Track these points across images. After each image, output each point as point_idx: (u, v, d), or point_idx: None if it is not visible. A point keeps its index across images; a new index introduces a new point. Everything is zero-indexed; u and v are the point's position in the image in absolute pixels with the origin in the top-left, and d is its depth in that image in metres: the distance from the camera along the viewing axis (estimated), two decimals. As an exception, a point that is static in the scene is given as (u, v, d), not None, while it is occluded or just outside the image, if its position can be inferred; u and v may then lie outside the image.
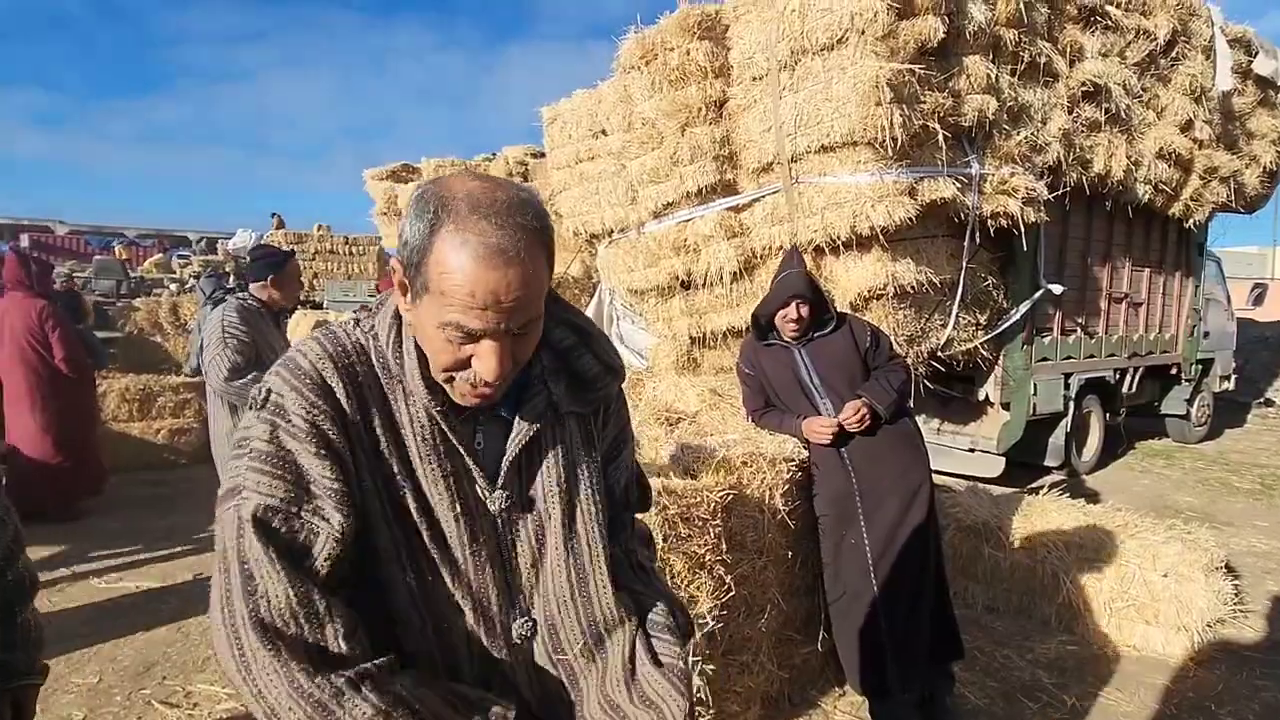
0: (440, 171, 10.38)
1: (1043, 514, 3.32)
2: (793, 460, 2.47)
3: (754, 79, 3.95)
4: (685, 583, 2.03)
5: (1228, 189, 6.10)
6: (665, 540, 1.98)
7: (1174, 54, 5.25)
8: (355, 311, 0.94)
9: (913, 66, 3.49)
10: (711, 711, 2.13)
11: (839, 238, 3.79)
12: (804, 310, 2.47)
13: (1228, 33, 5.73)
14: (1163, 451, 7.09)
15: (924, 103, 3.63)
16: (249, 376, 2.71)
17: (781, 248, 4.07)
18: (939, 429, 5.35)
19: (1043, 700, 2.63)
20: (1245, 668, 2.90)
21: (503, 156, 10.76)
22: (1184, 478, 6.15)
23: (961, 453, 5.22)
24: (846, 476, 2.44)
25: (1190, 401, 7.22)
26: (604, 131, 4.72)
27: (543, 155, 6.62)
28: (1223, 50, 5.57)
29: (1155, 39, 5.03)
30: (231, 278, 9.45)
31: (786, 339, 2.55)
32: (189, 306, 6.87)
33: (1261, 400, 10.29)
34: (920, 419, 5.39)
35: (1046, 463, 5.61)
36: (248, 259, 3.89)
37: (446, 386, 0.80)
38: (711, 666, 2.09)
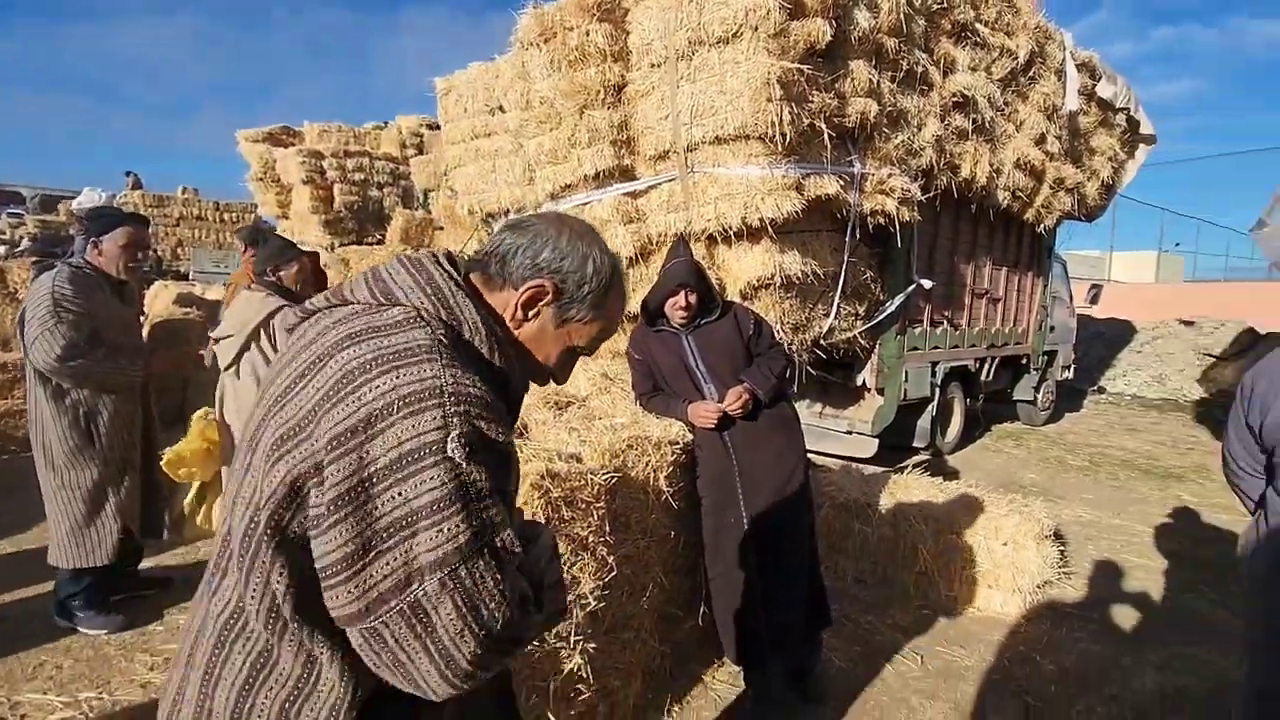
0: (325, 138, 9.77)
1: (906, 491, 3.61)
2: (677, 443, 2.54)
3: (652, 66, 3.97)
4: (568, 565, 2.05)
5: (1072, 199, 6.82)
6: (548, 523, 1.99)
7: (1031, 73, 5.76)
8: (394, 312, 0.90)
9: (802, 66, 3.63)
10: (594, 687, 2.17)
11: (731, 228, 3.90)
12: (692, 298, 2.54)
13: (1077, 57, 6.36)
14: (1013, 433, 7.88)
15: (812, 102, 3.79)
16: (86, 358, 2.45)
17: (678, 235, 4.15)
18: (821, 413, 5.67)
19: (898, 662, 2.88)
20: (1065, 622, 3.30)
21: (395, 126, 10.24)
22: (1029, 457, 6.87)
23: (840, 435, 5.56)
24: (727, 458, 2.54)
25: (1037, 389, 8.05)
26: (501, 108, 4.59)
27: (438, 127, 6.36)
28: (1072, 73, 6.18)
29: (1017, 58, 5.50)
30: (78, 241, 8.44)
31: (675, 326, 2.61)
32: (20, 273, 6.10)
33: (1095, 388, 11.66)
34: (804, 404, 5.71)
35: (915, 444, 6.09)
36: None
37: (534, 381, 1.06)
38: (594, 645, 2.13)
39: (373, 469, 0.79)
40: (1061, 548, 3.94)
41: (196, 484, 2.85)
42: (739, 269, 4.06)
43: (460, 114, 4.87)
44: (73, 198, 14.00)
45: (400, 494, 0.79)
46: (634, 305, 4.15)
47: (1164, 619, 3.40)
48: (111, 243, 2.64)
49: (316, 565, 0.81)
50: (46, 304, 2.42)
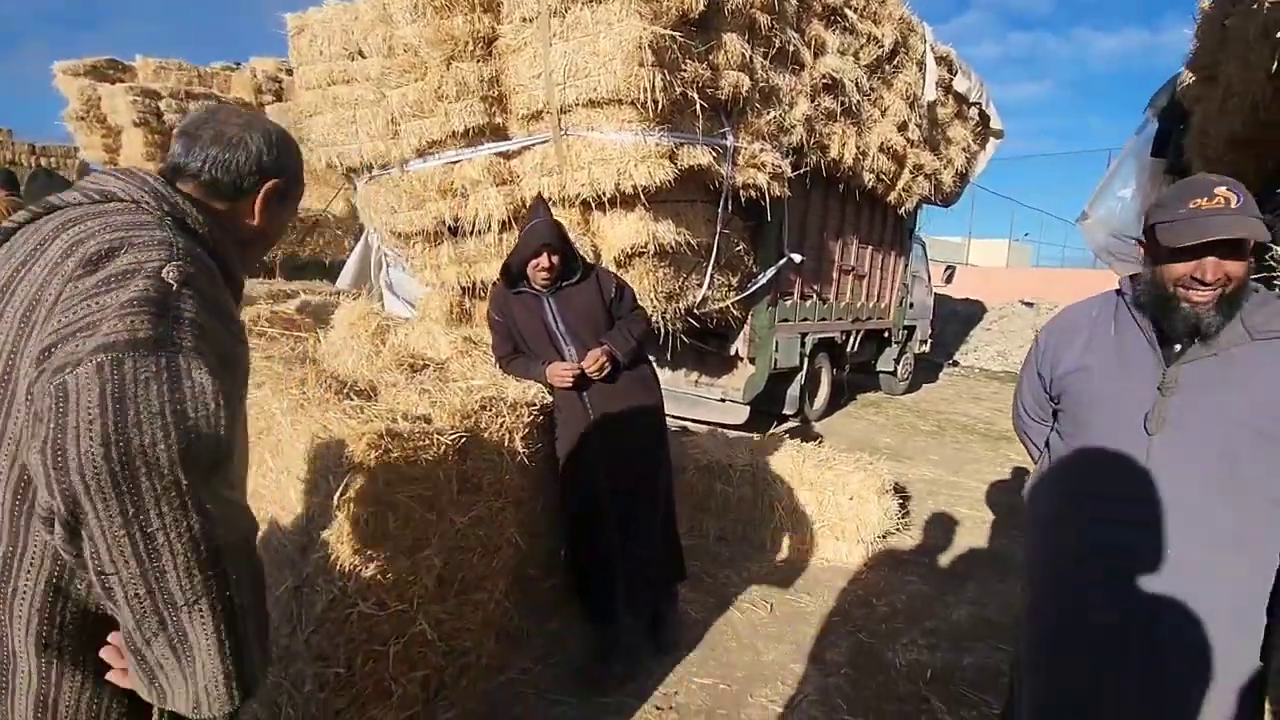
0: (162, 75, 8.68)
1: (764, 452, 3.80)
2: (535, 405, 2.52)
3: (524, 20, 3.84)
4: (410, 526, 2.00)
5: (930, 184, 7.36)
6: (388, 484, 1.92)
7: (895, 62, 6.11)
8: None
9: (674, 34, 3.64)
10: (443, 647, 2.14)
11: (605, 194, 3.88)
12: (555, 259, 2.51)
13: (936, 51, 6.81)
14: (875, 401, 8.50)
15: (685, 71, 3.82)
16: None
17: (550, 200, 4.08)
18: (696, 381, 5.84)
19: (748, 610, 3.05)
20: (901, 568, 3.62)
21: (249, 68, 9.32)
22: (887, 423, 7.44)
23: (713, 402, 5.75)
24: (586, 418, 2.55)
25: (897, 361, 8.70)
26: (361, 53, 4.29)
27: (299, 73, 5.86)
28: (931, 65, 6.62)
29: (883, 46, 5.80)
30: None
31: (536, 287, 2.57)
32: None
33: (950, 361, 12.78)
34: (680, 372, 5.85)
35: (785, 411, 6.42)
36: None
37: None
38: (440, 607, 2.10)
39: (85, 284, 0.79)
40: (903, 501, 4.30)
41: None
42: (613, 236, 4.06)
43: (315, 57, 4.49)
44: None
45: (99, 302, 0.77)
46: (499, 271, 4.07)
47: (982, 561, 3.81)
48: None
49: None
50: None
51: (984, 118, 8.31)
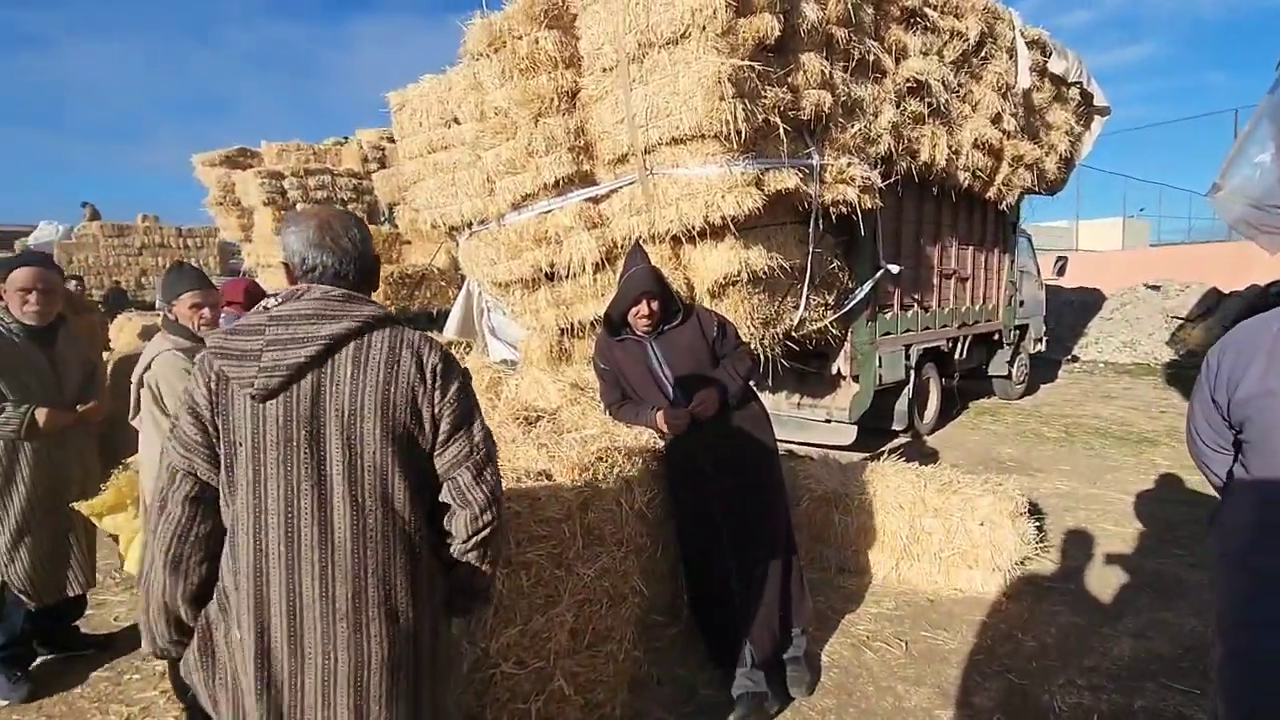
0: (284, 156, 9.61)
1: (883, 479, 3.64)
2: (648, 450, 2.54)
3: (604, 70, 3.95)
4: (542, 584, 2.05)
5: (1032, 174, 6.91)
6: (519, 545, 1.98)
7: (983, 54, 5.82)
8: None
9: (752, 63, 3.64)
10: (579, 703, 2.17)
11: (694, 227, 3.90)
12: (654, 305, 2.55)
13: (1026, 35, 6.43)
14: (990, 408, 7.99)
15: (765, 97, 3.80)
16: None
17: (641, 238, 4.14)
18: (798, 403, 5.70)
19: (882, 649, 2.91)
20: (1045, 597, 3.35)
21: (356, 140, 10.11)
22: (1006, 431, 6.97)
23: (819, 424, 5.59)
24: (698, 462, 2.55)
25: (1011, 363, 8.16)
26: (456, 120, 4.55)
27: (397, 141, 6.29)
28: (1023, 51, 6.26)
29: (967, 39, 5.55)
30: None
31: (640, 333, 2.61)
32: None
33: (1069, 357, 11.86)
34: (781, 395, 5.74)
35: (894, 427, 6.15)
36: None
37: None
38: (575, 661, 2.13)
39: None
40: (1039, 522, 4.00)
41: (122, 536, 2.62)
42: (705, 268, 4.07)
43: (416, 128, 4.81)
44: (29, 233, 13.68)
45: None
46: (597, 311, 4.15)
47: (1139, 585, 3.46)
48: (10, 287, 2.57)
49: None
50: None
51: (1086, 96, 7.75)
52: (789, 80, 4.01)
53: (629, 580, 2.49)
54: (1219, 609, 1.55)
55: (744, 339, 3.96)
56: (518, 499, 1.99)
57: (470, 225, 4.83)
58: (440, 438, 1.30)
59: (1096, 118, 8.14)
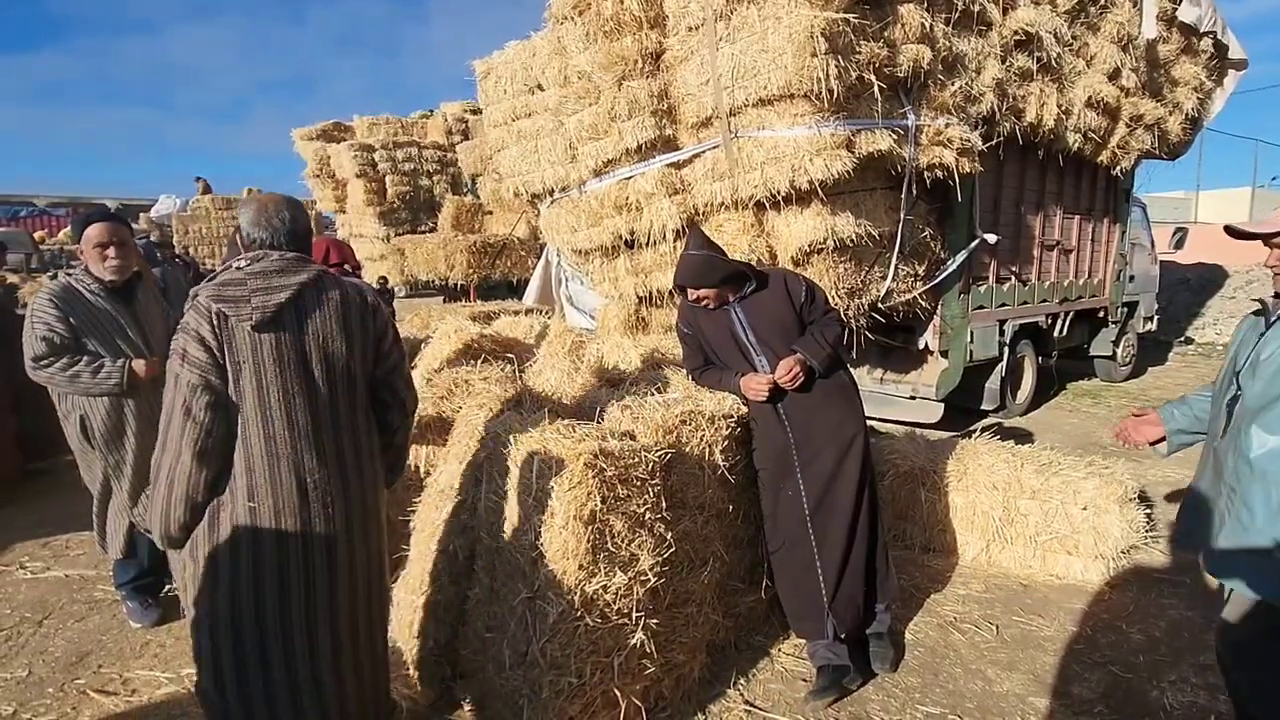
0: (374, 130, 9.96)
1: (974, 457, 3.47)
2: (731, 417, 2.50)
3: (690, 29, 3.85)
4: (625, 542, 2.06)
5: (1152, 136, 6.31)
6: (604, 501, 2.00)
7: (1103, 1, 5.32)
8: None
9: (847, 16, 3.45)
10: (659, 661, 2.19)
11: (779, 192, 3.78)
12: (708, 294, 2.47)
13: (1154, -21, 5.83)
14: (1091, 391, 7.47)
15: (859, 53, 3.61)
16: (50, 368, 2.51)
17: (723, 204, 4.05)
18: (882, 378, 5.50)
19: (970, 631, 2.79)
20: (1154, 589, 3.13)
21: (441, 113, 10.35)
22: (1109, 415, 6.50)
23: (903, 400, 5.38)
24: (783, 431, 2.49)
25: (1116, 343, 7.59)
26: (540, 86, 4.56)
27: (481, 112, 6.39)
28: (1149, -3, 5.68)
29: (1085, -14, 5.09)
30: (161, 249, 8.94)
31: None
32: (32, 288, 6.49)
33: (1182, 339, 10.91)
34: (864, 369, 5.55)
35: (984, 406, 5.85)
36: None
37: None
38: (656, 620, 2.15)
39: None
40: (1148, 510, 3.71)
41: None
42: (789, 235, 3.94)
43: (500, 96, 4.86)
44: (150, 206, 14.82)
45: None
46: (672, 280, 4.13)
47: (1265, 583, 3.17)
48: (85, 245, 2.64)
49: None
50: (27, 319, 2.56)
51: (1219, 48, 6.96)
52: (885, 34, 3.79)
53: (710, 545, 2.47)
54: None
55: (833, 306, 3.83)
56: (605, 458, 2.00)
57: (552, 192, 4.86)
58: (382, 351, 1.81)
59: (1231, 72, 7.32)
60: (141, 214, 15.60)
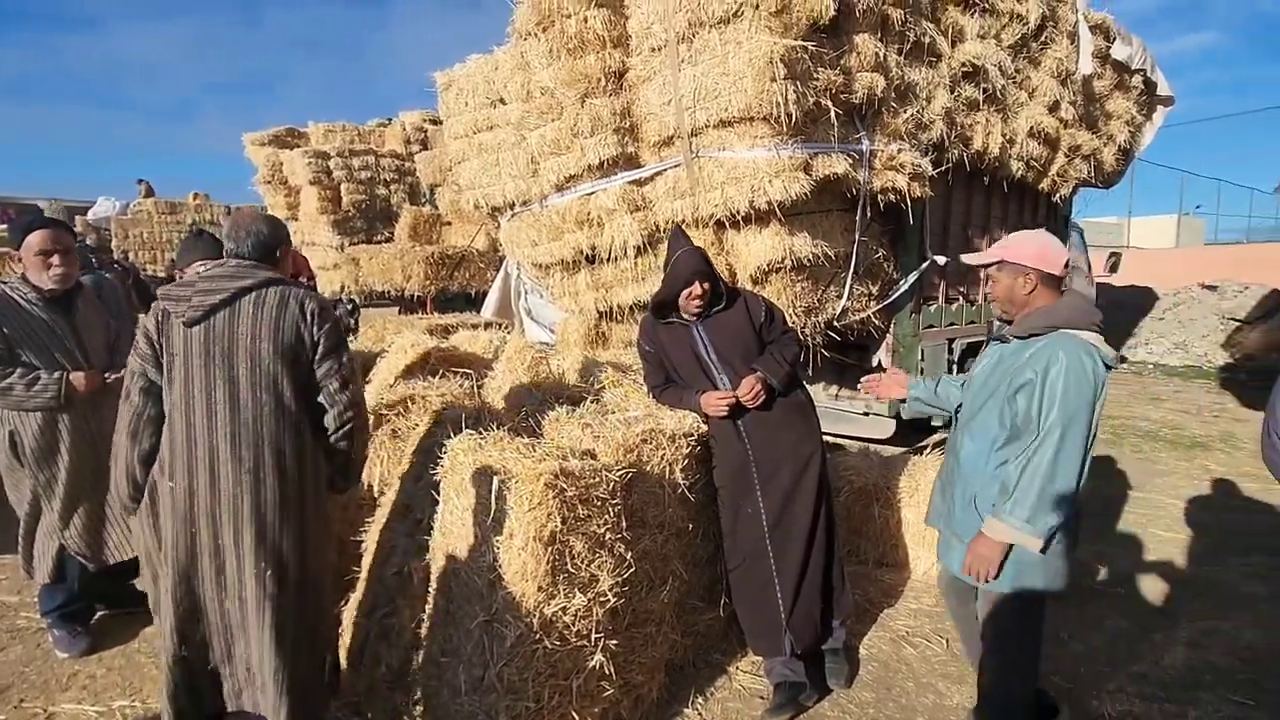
0: (330, 137, 9.74)
1: (924, 472, 3.57)
2: (691, 435, 2.52)
3: (653, 50, 3.90)
4: (585, 563, 2.04)
5: (1089, 165, 6.65)
6: (564, 522, 1.98)
7: (1043, 38, 5.60)
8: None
9: (805, 44, 3.54)
10: (618, 683, 2.17)
11: (738, 212, 3.83)
12: (705, 286, 2.52)
13: (1090, 19, 6.17)
14: (1033, 407, 7.76)
15: (817, 79, 3.71)
16: None
17: (684, 222, 4.09)
18: (836, 395, 5.61)
19: (922, 645, 2.86)
20: (1094, 600, 3.26)
21: (400, 122, 10.19)
22: (1050, 431, 6.77)
23: (857, 416, 5.49)
24: (743, 448, 2.52)
25: (1057, 361, 7.91)
26: (502, 100, 4.54)
27: (441, 122, 6.32)
28: (1085, 35, 6.01)
29: (1027, 23, 5.34)
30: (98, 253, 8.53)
31: (689, 316, 2.58)
32: None
33: (1117, 357, 11.46)
34: (820, 386, 5.66)
35: (934, 422, 6.02)
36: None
37: None
38: (615, 641, 2.13)
39: None
40: (1086, 524, 3.87)
41: None
42: (749, 254, 4.00)
43: (462, 108, 4.82)
44: (88, 209, 14.15)
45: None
46: (648, 293, 4.13)
47: (1193, 593, 3.34)
48: (27, 252, 2.49)
49: None
50: None
51: (1149, 85, 7.41)
52: (841, 62, 3.90)
53: (670, 563, 2.48)
54: None
55: (791, 326, 3.90)
56: (565, 478, 1.99)
57: (513, 206, 4.83)
58: (318, 356, 1.91)
59: (1159, 108, 7.80)
60: (78, 216, 14.88)
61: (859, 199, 4.26)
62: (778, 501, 2.49)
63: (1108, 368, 1.93)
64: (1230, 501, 4.67)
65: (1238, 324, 11.32)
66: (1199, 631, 2.98)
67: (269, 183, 9.69)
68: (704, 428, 2.58)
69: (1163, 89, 7.59)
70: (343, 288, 8.45)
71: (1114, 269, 9.02)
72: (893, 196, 4.40)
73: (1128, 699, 2.51)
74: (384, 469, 2.68)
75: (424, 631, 2.21)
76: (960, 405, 2.20)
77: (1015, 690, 2.08)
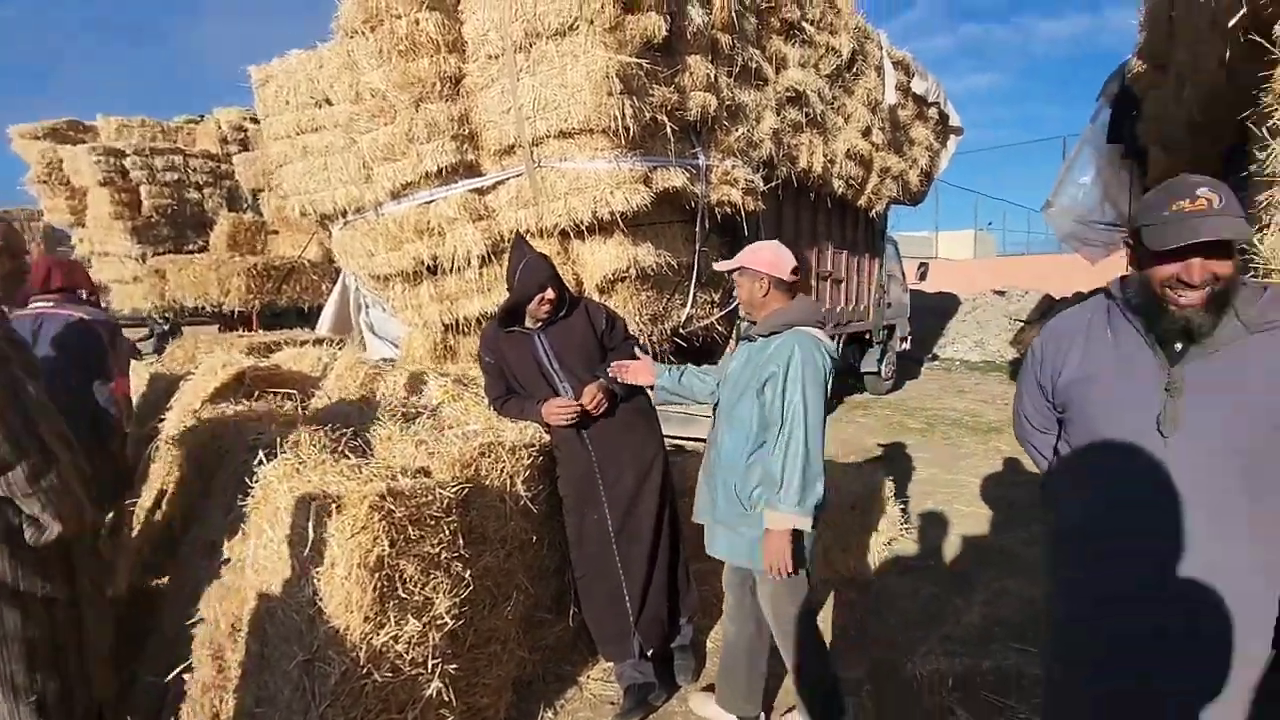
0: (125, 133, 8.57)
1: (764, 469, 3.78)
2: (533, 446, 2.49)
3: (490, 57, 3.85)
4: (419, 586, 1.94)
5: (898, 185, 7.48)
6: (393, 545, 1.87)
7: (855, 70, 6.22)
8: None
9: (640, 60, 3.67)
10: (460, 706, 2.08)
11: (582, 222, 3.88)
12: (557, 292, 2.52)
13: (893, 55, 6.95)
14: (862, 403, 8.55)
15: (653, 96, 3.84)
16: None
17: (529, 232, 4.07)
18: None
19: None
20: (911, 574, 3.62)
21: (214, 119, 9.22)
22: (876, 424, 7.48)
23: (704, 419, 5.70)
24: (587, 455, 2.52)
25: (880, 361, 8.78)
26: (328, 100, 4.26)
27: (262, 122, 5.80)
28: (889, 69, 6.75)
29: (841, 55, 5.91)
30: None
31: (534, 324, 2.56)
32: None
33: (930, 356, 12.93)
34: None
35: (775, 422, 6.41)
36: None
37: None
38: (455, 665, 2.04)
39: None
40: (903, 505, 4.31)
41: None
42: (593, 263, 4.05)
43: (282, 107, 4.46)
44: None
45: None
46: (495, 304, 4.03)
47: (988, 560, 3.82)
48: None
49: None
50: None
51: (943, 116, 8.48)
52: (676, 81, 4.08)
53: (514, 578, 2.42)
54: (1053, 577, 1.70)
55: (633, 334, 3.99)
56: (394, 498, 1.88)
57: (344, 214, 4.54)
58: None
59: (952, 136, 8.94)
60: None
61: (698, 211, 4.47)
62: (622, 506, 2.52)
63: (831, 359, 2.17)
64: (1017, 478, 5.41)
65: (1021, 324, 13.22)
66: (992, 593, 3.40)
67: (45, 182, 8.34)
68: (546, 438, 2.56)
69: (954, 120, 8.72)
70: (151, 305, 7.47)
71: (923, 277, 10.18)
72: (729, 209, 4.67)
73: (935, 658, 2.81)
74: (185, 504, 2.39)
75: (233, 683, 1.99)
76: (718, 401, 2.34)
77: (817, 656, 2.27)
